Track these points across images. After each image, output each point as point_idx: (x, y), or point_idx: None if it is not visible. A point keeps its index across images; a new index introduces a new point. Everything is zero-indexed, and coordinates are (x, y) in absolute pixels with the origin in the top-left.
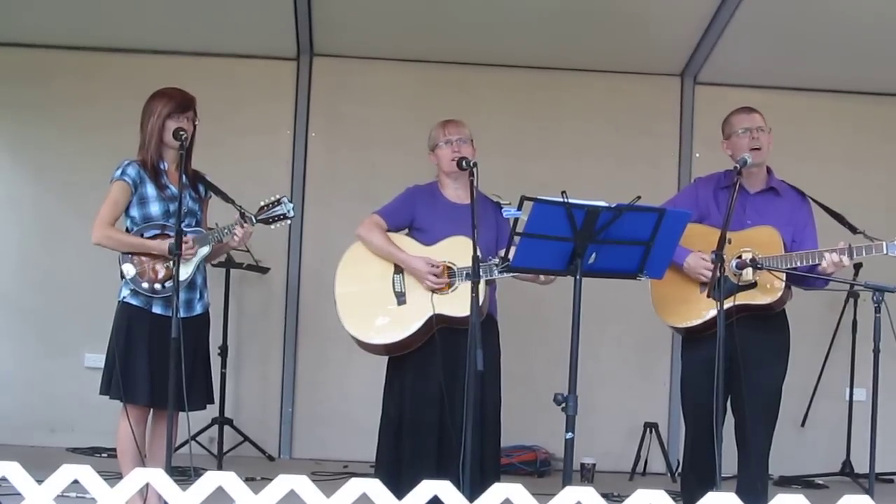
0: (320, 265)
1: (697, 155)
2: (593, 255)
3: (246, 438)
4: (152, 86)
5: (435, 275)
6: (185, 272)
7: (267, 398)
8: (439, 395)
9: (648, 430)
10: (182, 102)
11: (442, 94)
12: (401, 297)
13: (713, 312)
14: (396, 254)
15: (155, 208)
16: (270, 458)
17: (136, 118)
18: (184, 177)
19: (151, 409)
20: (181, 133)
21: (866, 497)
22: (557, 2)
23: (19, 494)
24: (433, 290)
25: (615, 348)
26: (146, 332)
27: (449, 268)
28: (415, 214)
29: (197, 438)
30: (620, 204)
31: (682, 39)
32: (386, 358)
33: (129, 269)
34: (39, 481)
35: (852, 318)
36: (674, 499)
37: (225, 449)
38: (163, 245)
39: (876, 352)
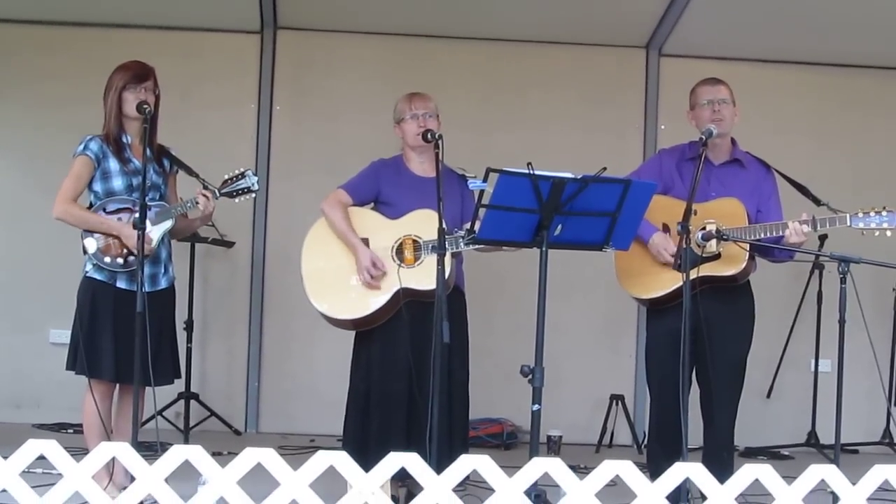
0: (285, 239)
1: (662, 127)
2: (559, 227)
3: (212, 413)
4: (115, 60)
5: (373, 276)
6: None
7: (233, 372)
8: (407, 368)
9: (614, 402)
10: (138, 73)
11: (407, 66)
12: None
13: (676, 284)
14: (349, 239)
15: (118, 183)
16: (237, 433)
17: (100, 93)
18: (148, 150)
19: (117, 385)
20: (145, 107)
21: (832, 466)
22: None
23: None
24: (369, 287)
25: (581, 320)
26: (110, 306)
27: (415, 241)
28: (380, 188)
29: (163, 413)
30: (586, 175)
31: (647, 11)
32: (352, 332)
33: (91, 244)
34: (5, 457)
35: (817, 290)
36: (640, 470)
37: (191, 424)
38: (124, 228)
39: (841, 322)
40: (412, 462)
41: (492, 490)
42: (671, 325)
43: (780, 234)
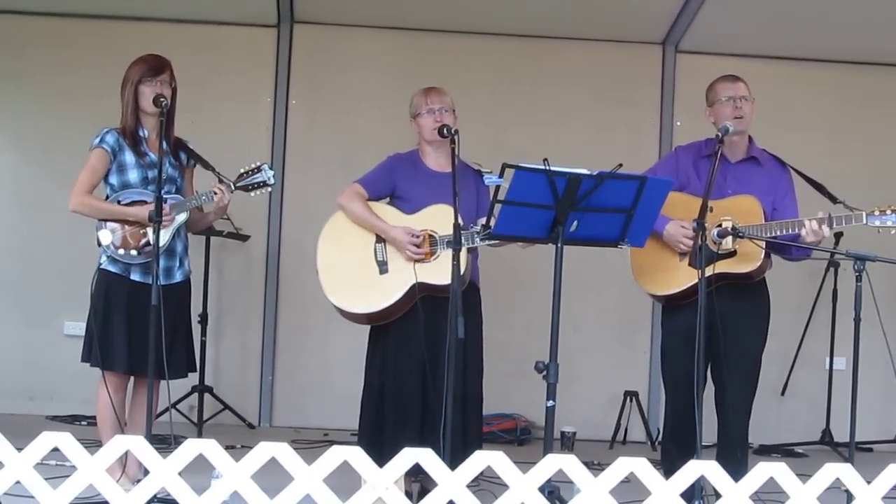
0: (300, 233)
1: (678, 123)
2: (575, 223)
3: (226, 406)
4: (132, 53)
5: (416, 244)
6: (162, 239)
7: (247, 366)
8: (422, 363)
9: (629, 398)
10: (154, 66)
11: (423, 61)
12: (383, 266)
13: (692, 281)
14: (376, 223)
15: (133, 175)
16: (250, 426)
17: (116, 85)
18: (164, 143)
19: (131, 377)
20: (161, 100)
21: (848, 465)
22: None
23: None
24: (415, 260)
25: (595, 317)
26: (125, 299)
27: (431, 236)
28: (396, 183)
29: (177, 406)
30: (602, 172)
31: (664, 8)
32: (367, 326)
33: (106, 237)
34: (19, 449)
35: (833, 288)
36: (654, 467)
37: (205, 417)
38: (140, 211)
39: (857, 320)
40: (427, 458)
41: (505, 486)
42: (686, 322)
43: (796, 231)
